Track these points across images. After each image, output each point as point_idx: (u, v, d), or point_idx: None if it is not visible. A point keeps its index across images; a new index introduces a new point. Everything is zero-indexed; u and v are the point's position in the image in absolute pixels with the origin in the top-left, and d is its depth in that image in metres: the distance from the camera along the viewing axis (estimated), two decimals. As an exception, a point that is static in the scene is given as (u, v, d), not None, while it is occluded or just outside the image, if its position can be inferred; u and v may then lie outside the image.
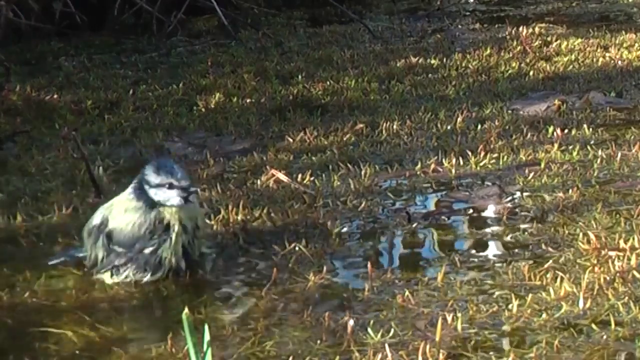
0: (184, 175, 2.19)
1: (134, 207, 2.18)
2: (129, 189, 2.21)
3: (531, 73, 3.90)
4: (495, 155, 2.91)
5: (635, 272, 2.11)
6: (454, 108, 3.41)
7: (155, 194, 2.17)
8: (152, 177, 2.17)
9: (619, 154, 2.86)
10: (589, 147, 2.96)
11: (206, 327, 1.66)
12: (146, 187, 2.17)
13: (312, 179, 2.77)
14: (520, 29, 4.62)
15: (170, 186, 2.16)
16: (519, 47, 4.28)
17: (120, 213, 2.19)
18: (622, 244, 2.25)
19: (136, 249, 2.17)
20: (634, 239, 2.26)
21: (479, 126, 3.19)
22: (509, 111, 3.39)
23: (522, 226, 2.43)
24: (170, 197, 2.17)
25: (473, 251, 2.32)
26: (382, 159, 2.97)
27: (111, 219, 2.19)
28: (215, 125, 3.36)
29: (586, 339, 1.88)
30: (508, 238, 2.37)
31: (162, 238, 2.17)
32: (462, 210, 2.57)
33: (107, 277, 2.20)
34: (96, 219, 2.22)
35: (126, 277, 2.19)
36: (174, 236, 2.17)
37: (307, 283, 2.16)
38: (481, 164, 2.86)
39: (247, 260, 2.31)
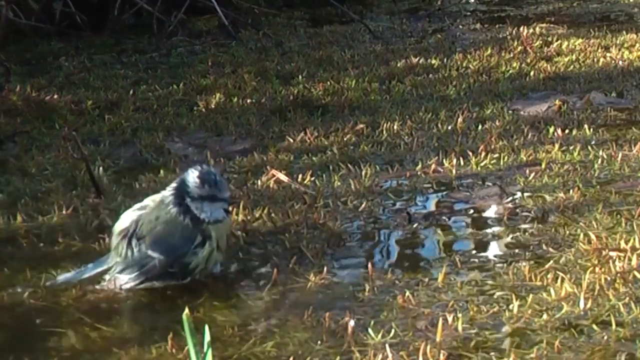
0: (225, 185, 2.15)
1: (178, 222, 2.13)
2: (169, 198, 2.14)
3: (532, 73, 3.89)
4: (496, 155, 2.91)
5: (636, 273, 2.11)
6: (455, 108, 3.41)
7: (198, 209, 2.12)
8: (195, 188, 2.12)
9: (620, 154, 2.86)
10: (589, 148, 2.96)
11: (206, 327, 1.66)
12: (187, 199, 2.12)
13: (312, 179, 2.77)
14: (521, 29, 4.61)
15: (213, 198, 2.12)
16: (519, 48, 4.27)
17: (161, 224, 2.13)
18: (623, 245, 2.24)
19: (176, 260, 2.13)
20: (634, 239, 2.25)
21: (480, 126, 3.19)
22: (510, 111, 3.39)
23: (523, 226, 2.43)
24: (213, 211, 2.13)
25: (474, 251, 2.32)
26: (383, 159, 2.96)
27: (150, 227, 2.14)
28: (216, 126, 3.35)
29: (587, 340, 1.88)
30: (509, 238, 2.37)
31: (200, 249, 2.14)
32: (462, 210, 2.57)
33: (127, 282, 2.15)
34: (129, 222, 2.16)
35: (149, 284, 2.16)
36: (208, 249, 2.14)
37: (308, 283, 2.15)
38: (482, 164, 2.86)
39: (247, 260, 2.30)
